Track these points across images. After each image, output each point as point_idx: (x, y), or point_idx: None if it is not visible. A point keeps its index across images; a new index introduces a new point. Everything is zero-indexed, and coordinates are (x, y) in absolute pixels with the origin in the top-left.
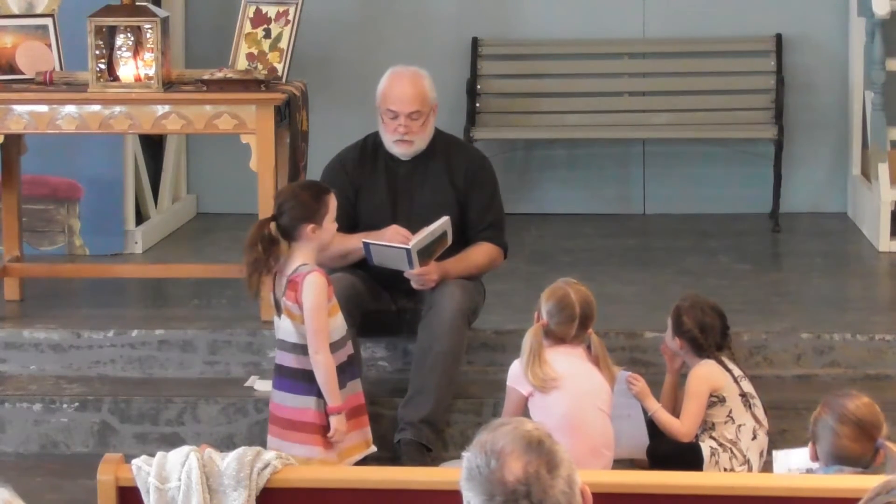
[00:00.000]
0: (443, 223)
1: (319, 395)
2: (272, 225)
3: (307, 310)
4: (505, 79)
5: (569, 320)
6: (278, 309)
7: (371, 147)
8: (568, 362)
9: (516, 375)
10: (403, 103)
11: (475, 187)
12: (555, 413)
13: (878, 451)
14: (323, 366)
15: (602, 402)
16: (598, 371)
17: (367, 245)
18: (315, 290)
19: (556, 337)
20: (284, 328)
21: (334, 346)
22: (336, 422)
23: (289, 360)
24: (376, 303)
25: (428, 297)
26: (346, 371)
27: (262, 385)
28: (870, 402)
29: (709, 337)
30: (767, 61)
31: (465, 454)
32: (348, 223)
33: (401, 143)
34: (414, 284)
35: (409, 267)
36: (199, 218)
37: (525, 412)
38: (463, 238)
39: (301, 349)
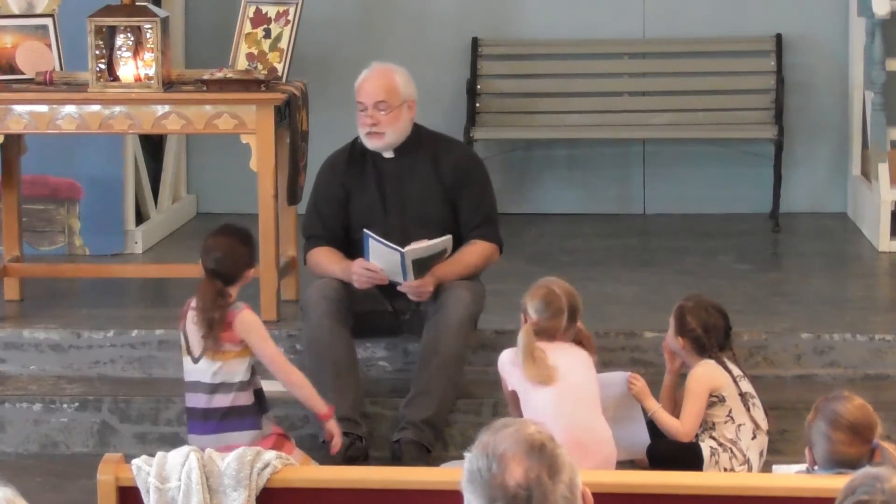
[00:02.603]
0: (444, 241)
1: (245, 428)
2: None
3: (257, 344)
4: (505, 79)
5: (558, 314)
6: (189, 350)
7: (359, 148)
8: (557, 357)
9: (504, 363)
10: (369, 94)
11: (464, 184)
12: (539, 407)
13: (875, 451)
14: (298, 382)
15: (590, 398)
16: (590, 364)
17: (366, 237)
18: (256, 323)
19: (547, 333)
20: (200, 370)
21: (244, 385)
22: (331, 426)
23: (204, 401)
24: (371, 303)
25: (435, 299)
26: (252, 409)
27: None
28: (862, 403)
29: (712, 337)
30: (767, 61)
31: (467, 455)
32: (341, 226)
33: (371, 136)
34: (411, 296)
35: (403, 273)
36: (199, 218)
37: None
38: (456, 236)
39: (220, 388)
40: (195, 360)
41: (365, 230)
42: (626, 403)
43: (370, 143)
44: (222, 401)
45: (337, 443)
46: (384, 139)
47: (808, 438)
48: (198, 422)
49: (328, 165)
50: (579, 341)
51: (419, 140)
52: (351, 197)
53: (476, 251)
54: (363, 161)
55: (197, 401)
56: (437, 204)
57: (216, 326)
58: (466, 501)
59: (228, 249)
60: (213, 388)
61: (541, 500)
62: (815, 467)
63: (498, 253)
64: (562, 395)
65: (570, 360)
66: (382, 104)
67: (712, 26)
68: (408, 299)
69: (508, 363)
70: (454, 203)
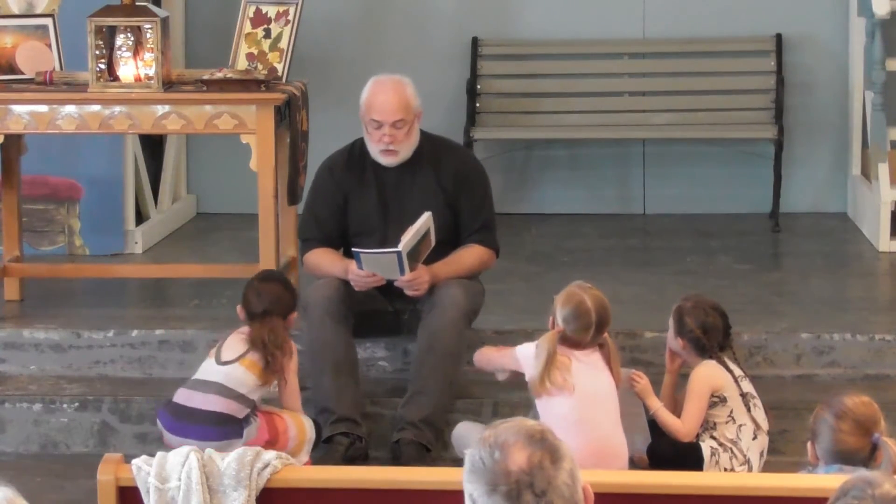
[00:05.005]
0: (426, 220)
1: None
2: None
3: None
4: (505, 79)
5: (585, 327)
6: (219, 354)
7: (358, 152)
8: (580, 367)
9: (526, 356)
10: (387, 112)
11: (465, 189)
12: (559, 415)
13: (877, 448)
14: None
15: (610, 409)
16: (610, 375)
17: (357, 254)
18: (294, 359)
19: (571, 342)
20: (230, 376)
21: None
22: None
23: (220, 405)
24: (371, 303)
25: (429, 298)
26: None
27: None
28: (868, 400)
29: (711, 337)
30: (767, 61)
31: (468, 451)
32: (339, 229)
33: (386, 154)
34: (407, 292)
35: (400, 272)
36: (199, 218)
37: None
38: (455, 240)
39: (241, 398)
40: (221, 363)
41: (353, 249)
42: (627, 401)
43: (385, 160)
44: (227, 407)
45: None
46: (399, 156)
47: (812, 431)
48: (204, 426)
49: (326, 168)
50: (601, 346)
51: (421, 147)
52: (349, 201)
53: (473, 254)
54: (363, 165)
55: (207, 402)
56: (437, 212)
57: (280, 358)
58: (468, 494)
59: (277, 295)
60: (240, 398)
61: (543, 485)
62: (816, 464)
63: (494, 258)
64: (583, 404)
65: (593, 371)
66: (401, 122)
67: (712, 26)
68: (407, 298)
69: (531, 357)
70: (454, 208)
